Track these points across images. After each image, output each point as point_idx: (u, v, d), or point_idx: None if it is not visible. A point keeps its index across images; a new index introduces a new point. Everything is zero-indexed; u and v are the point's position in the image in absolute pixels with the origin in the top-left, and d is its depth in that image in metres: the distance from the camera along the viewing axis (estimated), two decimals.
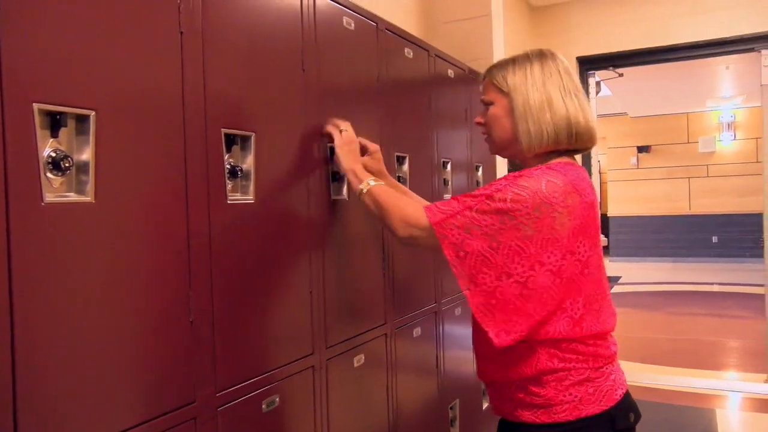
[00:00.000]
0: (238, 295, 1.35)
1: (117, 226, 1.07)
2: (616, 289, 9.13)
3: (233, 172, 1.36)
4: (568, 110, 1.33)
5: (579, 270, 1.27)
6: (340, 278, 1.76)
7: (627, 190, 11.86)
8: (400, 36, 2.18)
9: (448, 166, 2.59)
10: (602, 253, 1.38)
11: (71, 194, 1.01)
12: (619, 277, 10.11)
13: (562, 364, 1.28)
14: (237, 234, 1.36)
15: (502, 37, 3.35)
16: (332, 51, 1.74)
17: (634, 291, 8.98)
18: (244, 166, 1.40)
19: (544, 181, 1.24)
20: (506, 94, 1.37)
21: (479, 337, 1.37)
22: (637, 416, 1.36)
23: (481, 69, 3.09)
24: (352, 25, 1.85)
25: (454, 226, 1.26)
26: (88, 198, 1.02)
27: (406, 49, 2.21)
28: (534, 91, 1.34)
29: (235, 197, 1.37)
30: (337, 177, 1.74)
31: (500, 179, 1.30)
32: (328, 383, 1.67)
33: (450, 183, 2.59)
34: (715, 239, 11.28)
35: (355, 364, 1.82)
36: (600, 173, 11.70)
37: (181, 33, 1.21)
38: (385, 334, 2.01)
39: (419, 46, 2.33)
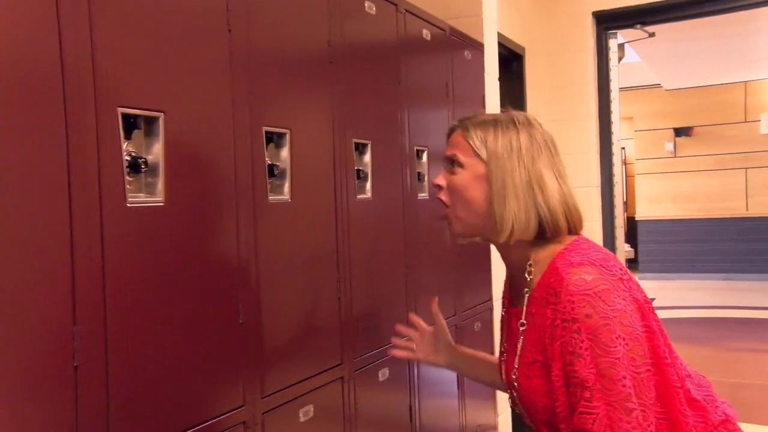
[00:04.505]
0: (144, 332, 1.35)
1: None
2: None
3: (134, 166, 1.36)
4: (563, 190, 1.46)
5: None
6: (279, 305, 1.76)
7: (661, 186, 12.03)
8: None
9: (424, 156, 2.62)
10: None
11: None
12: (652, 300, 10.24)
13: None
14: (141, 248, 1.36)
15: None
16: (268, 6, 1.75)
17: (672, 317, 9.10)
18: (150, 158, 1.40)
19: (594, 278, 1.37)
20: (484, 162, 1.45)
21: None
22: None
23: (468, 28, 3.16)
24: None
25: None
26: None
27: (367, 4, 2.24)
28: (521, 167, 1.44)
29: (138, 198, 1.37)
30: (275, 170, 1.74)
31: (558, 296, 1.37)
32: None
33: (426, 178, 2.61)
34: None
35: (302, 419, 1.83)
36: (625, 164, 11.86)
37: None
38: (341, 377, 2.02)
39: (385, 0, 2.35)
